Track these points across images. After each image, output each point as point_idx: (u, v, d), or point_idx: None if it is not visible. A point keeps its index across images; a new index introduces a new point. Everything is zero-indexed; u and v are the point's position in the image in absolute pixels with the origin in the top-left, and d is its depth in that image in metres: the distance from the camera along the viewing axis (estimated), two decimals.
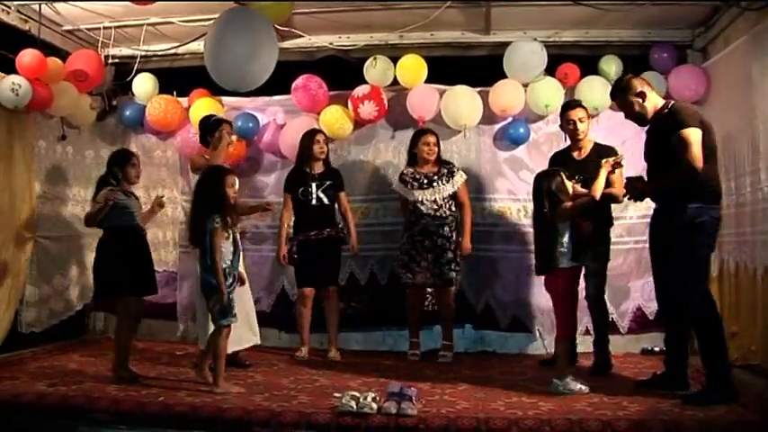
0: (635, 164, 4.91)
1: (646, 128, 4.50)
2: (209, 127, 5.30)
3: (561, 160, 5.19)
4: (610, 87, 5.65)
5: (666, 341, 4.68)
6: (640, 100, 4.32)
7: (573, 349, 5.03)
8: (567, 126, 5.18)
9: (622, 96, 4.41)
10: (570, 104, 5.26)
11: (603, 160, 4.64)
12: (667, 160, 4.16)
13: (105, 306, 6.27)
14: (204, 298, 4.54)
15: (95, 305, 6.42)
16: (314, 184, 5.61)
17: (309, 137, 5.67)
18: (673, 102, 4.35)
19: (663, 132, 4.21)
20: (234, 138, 5.47)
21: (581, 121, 5.10)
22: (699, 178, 4.03)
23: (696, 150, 4.00)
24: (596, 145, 5.18)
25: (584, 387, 4.33)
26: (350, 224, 5.75)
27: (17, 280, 5.61)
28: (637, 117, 4.42)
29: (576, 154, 5.18)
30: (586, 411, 3.88)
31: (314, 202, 5.59)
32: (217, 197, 4.41)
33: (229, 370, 4.71)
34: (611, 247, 5.18)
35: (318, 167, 5.70)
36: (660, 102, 4.36)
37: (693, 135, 4.03)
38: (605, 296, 5.21)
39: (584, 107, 5.20)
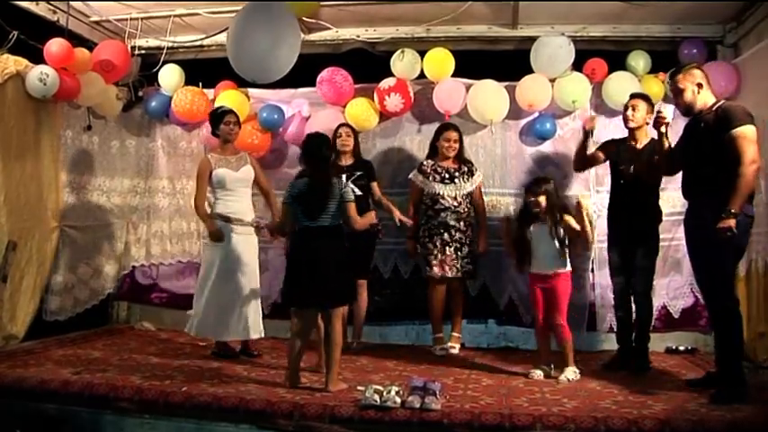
0: None
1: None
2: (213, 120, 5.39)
3: (618, 145, 5.25)
4: (637, 83, 5.68)
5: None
6: (696, 89, 4.23)
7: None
8: (624, 113, 5.19)
9: (681, 78, 4.28)
10: (631, 94, 5.24)
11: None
12: (713, 160, 4.07)
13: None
14: None
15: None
16: (344, 176, 5.58)
17: (334, 131, 5.68)
18: (722, 102, 4.25)
19: (711, 131, 4.11)
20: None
21: (633, 109, 5.09)
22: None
23: (754, 148, 3.95)
24: (653, 140, 5.12)
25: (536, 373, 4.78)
26: (390, 206, 5.46)
27: (43, 268, 5.66)
28: (684, 104, 4.31)
29: (632, 143, 5.17)
30: (611, 409, 3.84)
31: None
32: None
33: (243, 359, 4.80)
34: None
35: (347, 160, 5.69)
36: (711, 101, 4.24)
37: (750, 132, 3.97)
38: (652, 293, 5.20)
39: (643, 98, 5.16)
